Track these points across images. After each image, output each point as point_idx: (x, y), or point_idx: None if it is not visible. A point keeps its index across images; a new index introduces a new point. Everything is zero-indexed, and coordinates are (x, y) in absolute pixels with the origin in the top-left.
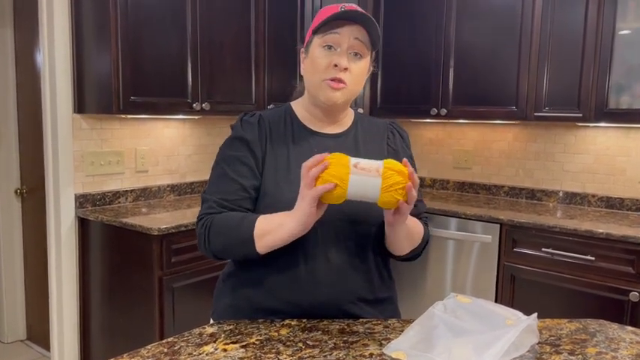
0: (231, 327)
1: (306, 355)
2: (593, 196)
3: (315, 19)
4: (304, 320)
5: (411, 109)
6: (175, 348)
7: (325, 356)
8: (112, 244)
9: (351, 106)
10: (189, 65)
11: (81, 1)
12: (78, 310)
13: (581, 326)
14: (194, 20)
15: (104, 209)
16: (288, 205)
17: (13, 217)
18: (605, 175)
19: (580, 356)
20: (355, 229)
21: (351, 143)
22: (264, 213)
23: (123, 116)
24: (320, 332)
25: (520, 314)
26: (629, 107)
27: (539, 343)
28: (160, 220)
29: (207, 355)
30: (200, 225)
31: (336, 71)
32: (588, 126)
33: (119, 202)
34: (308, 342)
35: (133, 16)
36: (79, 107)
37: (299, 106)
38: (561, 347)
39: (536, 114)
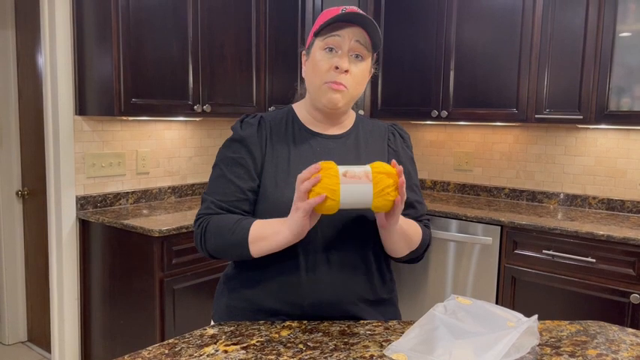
0: (232, 328)
1: (306, 357)
2: (594, 198)
3: (317, 22)
4: (305, 322)
5: (411, 112)
6: (176, 349)
7: (326, 358)
8: (113, 245)
9: (352, 108)
10: (190, 67)
11: (82, 3)
12: (79, 312)
13: (582, 328)
14: (195, 22)
15: (105, 211)
16: (287, 205)
17: (14, 218)
18: (606, 177)
19: (580, 358)
20: (355, 229)
21: (352, 145)
22: (264, 213)
23: (124, 118)
24: (321, 334)
25: (521, 316)
26: (630, 109)
27: (539, 344)
28: (160, 221)
29: (207, 356)
30: (197, 225)
31: (336, 74)
32: (589, 128)
33: (120, 204)
34: (309, 343)
35: (134, 18)
36: (81, 109)
37: (300, 108)
38: (562, 349)
39: (536, 116)
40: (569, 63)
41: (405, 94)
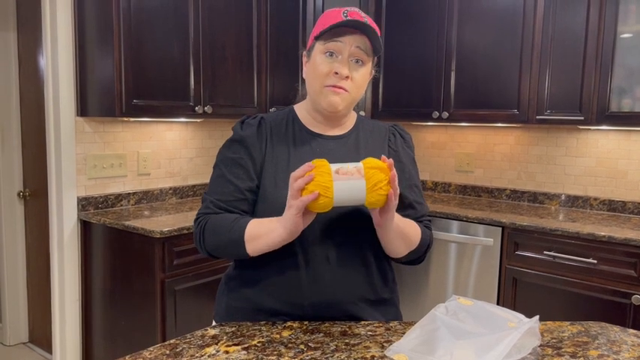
0: (233, 329)
1: (307, 358)
2: (595, 199)
3: (318, 24)
4: (306, 322)
5: (412, 113)
6: (177, 350)
7: (327, 358)
8: (114, 246)
9: (353, 109)
10: (192, 68)
11: (84, 4)
12: (80, 313)
13: (583, 329)
14: (196, 23)
15: (106, 212)
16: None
17: (15, 219)
18: (607, 178)
19: (582, 359)
20: (354, 229)
21: (353, 145)
22: (263, 214)
23: (125, 119)
24: (322, 334)
25: (522, 317)
26: (631, 110)
27: (540, 345)
28: (162, 222)
29: (209, 357)
30: (196, 224)
31: (337, 79)
32: (590, 129)
33: (121, 205)
34: (310, 344)
35: (135, 20)
36: (82, 110)
37: (301, 109)
38: (563, 350)
39: (538, 117)
40: (570, 64)
41: (406, 96)
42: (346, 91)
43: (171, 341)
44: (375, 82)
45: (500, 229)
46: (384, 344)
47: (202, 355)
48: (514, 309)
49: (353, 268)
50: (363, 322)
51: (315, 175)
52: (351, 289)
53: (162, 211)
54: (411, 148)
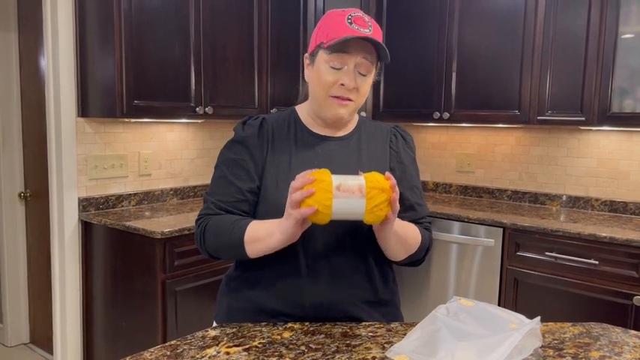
0: (234, 330)
1: (308, 359)
2: (597, 200)
3: (322, 27)
4: (307, 323)
5: (413, 113)
6: (178, 351)
7: (328, 359)
8: (115, 247)
9: None
10: (193, 69)
11: (85, 5)
12: (81, 314)
13: (585, 330)
14: (197, 24)
15: (107, 213)
16: None
17: (16, 220)
18: (609, 179)
19: None
20: (355, 230)
21: (354, 147)
22: (265, 214)
23: (126, 120)
24: (323, 335)
25: (523, 318)
26: (633, 111)
27: (542, 346)
28: (163, 223)
29: (209, 358)
30: (197, 225)
31: (343, 90)
32: (591, 130)
33: (122, 206)
34: (311, 345)
35: (136, 20)
36: (83, 111)
37: (303, 110)
38: (564, 351)
39: (539, 118)
40: (571, 65)
41: (407, 96)
42: (351, 101)
43: (172, 342)
44: (376, 83)
45: (502, 229)
46: (385, 345)
47: (203, 356)
48: (515, 310)
49: (353, 269)
50: (364, 323)
51: (315, 190)
52: (351, 291)
53: (163, 212)
54: (412, 149)
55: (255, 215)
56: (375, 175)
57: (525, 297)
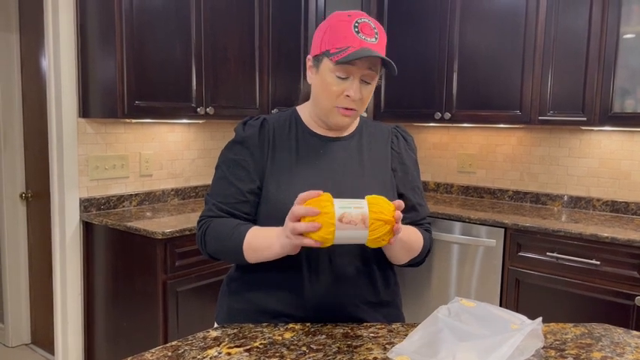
0: (235, 331)
1: (309, 359)
2: (598, 200)
3: (327, 30)
4: (308, 324)
5: (414, 114)
6: (179, 352)
7: None
8: (117, 248)
9: None
10: (194, 70)
11: (86, 5)
12: (82, 314)
13: (587, 331)
14: (198, 25)
15: (108, 213)
16: (289, 208)
17: (18, 221)
18: (610, 179)
19: None
20: None
21: (355, 148)
22: (266, 215)
23: (127, 120)
24: (324, 336)
25: (525, 318)
26: (634, 111)
27: (544, 347)
28: (164, 224)
29: (211, 358)
30: (199, 227)
31: (348, 102)
32: (593, 130)
33: (123, 206)
34: (312, 346)
35: (137, 21)
36: (84, 111)
37: (304, 111)
38: (566, 352)
39: (540, 118)
40: (572, 65)
41: (408, 97)
42: (355, 110)
43: (173, 343)
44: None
45: (503, 230)
46: (387, 346)
47: (204, 357)
48: (517, 310)
49: (355, 270)
50: (365, 324)
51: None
52: (353, 292)
53: (165, 213)
54: (413, 150)
55: (256, 215)
56: (380, 202)
57: (527, 297)
